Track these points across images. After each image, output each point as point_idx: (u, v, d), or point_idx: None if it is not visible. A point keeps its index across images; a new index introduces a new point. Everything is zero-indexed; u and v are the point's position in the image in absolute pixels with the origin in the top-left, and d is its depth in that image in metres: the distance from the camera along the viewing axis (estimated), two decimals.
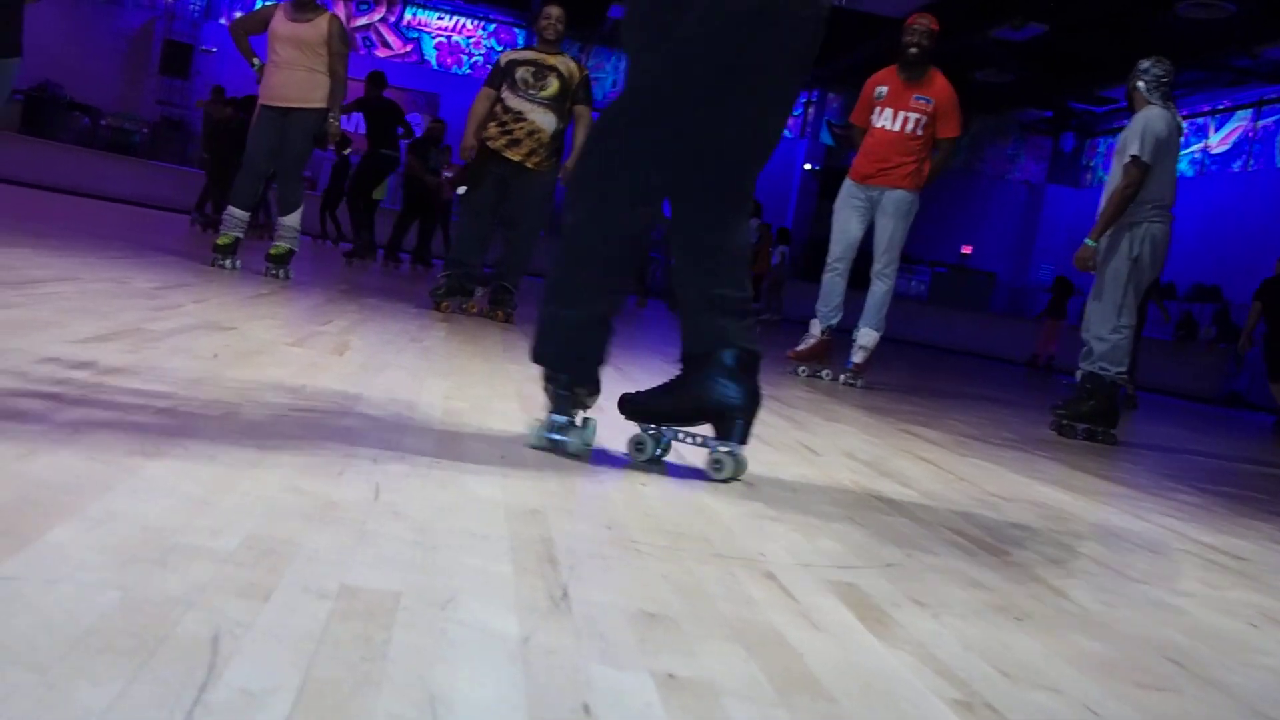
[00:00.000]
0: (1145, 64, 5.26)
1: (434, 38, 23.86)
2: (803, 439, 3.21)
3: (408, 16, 23.76)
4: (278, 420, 2.00)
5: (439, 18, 23.83)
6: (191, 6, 22.66)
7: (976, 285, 23.37)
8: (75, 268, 4.38)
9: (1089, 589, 1.86)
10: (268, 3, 6.43)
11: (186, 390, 2.12)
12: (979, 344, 18.80)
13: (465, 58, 24.01)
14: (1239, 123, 21.24)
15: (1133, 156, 5.02)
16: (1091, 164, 25.52)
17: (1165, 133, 5.08)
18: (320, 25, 6.09)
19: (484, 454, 2.05)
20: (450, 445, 2.08)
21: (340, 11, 22.78)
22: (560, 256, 2.26)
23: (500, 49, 23.91)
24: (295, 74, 6.05)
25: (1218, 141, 21.78)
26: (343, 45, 6.17)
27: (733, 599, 1.36)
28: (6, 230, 5.62)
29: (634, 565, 1.45)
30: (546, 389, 2.27)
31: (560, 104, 5.99)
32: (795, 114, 25.33)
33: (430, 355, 3.65)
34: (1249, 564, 2.44)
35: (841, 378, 6.01)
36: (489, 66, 21.87)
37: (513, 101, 5.91)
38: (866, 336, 6.05)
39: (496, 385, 3.16)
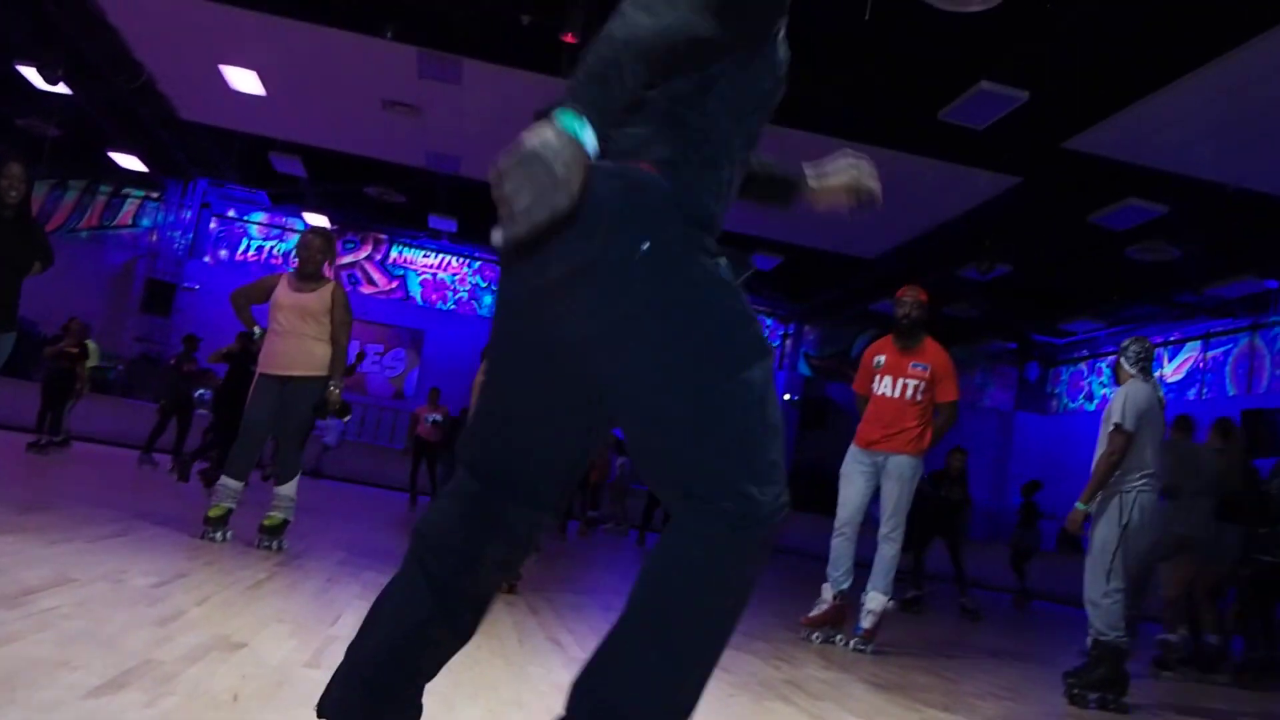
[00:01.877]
0: (1128, 342, 5.68)
1: (419, 275, 24.34)
2: None
3: (393, 254, 24.29)
4: None
5: (424, 255, 24.37)
6: (175, 246, 23.06)
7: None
8: (67, 561, 4.19)
9: None
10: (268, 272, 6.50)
11: None
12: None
13: (450, 294, 24.44)
14: (1190, 353, 21.93)
15: (1116, 425, 5.30)
16: (1056, 391, 26.11)
17: (1146, 404, 5.39)
18: (324, 295, 6.13)
19: None
20: None
21: None
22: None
23: (485, 285, 24.45)
24: (297, 342, 6.04)
25: (1172, 371, 22.36)
26: (346, 314, 6.20)
27: None
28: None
29: None
30: None
31: None
32: (775, 346, 25.82)
33: (453, 664, 3.46)
34: None
35: (852, 643, 5.86)
36: (473, 303, 22.22)
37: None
38: (875, 601, 5.96)
39: (525, 702, 2.97)
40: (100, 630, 3.00)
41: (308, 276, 6.17)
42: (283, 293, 6.12)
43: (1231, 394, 20.56)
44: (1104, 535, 5.23)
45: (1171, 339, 22.48)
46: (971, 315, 22.46)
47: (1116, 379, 5.58)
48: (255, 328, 6.30)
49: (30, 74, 15.22)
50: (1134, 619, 5.49)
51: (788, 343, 25.84)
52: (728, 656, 4.42)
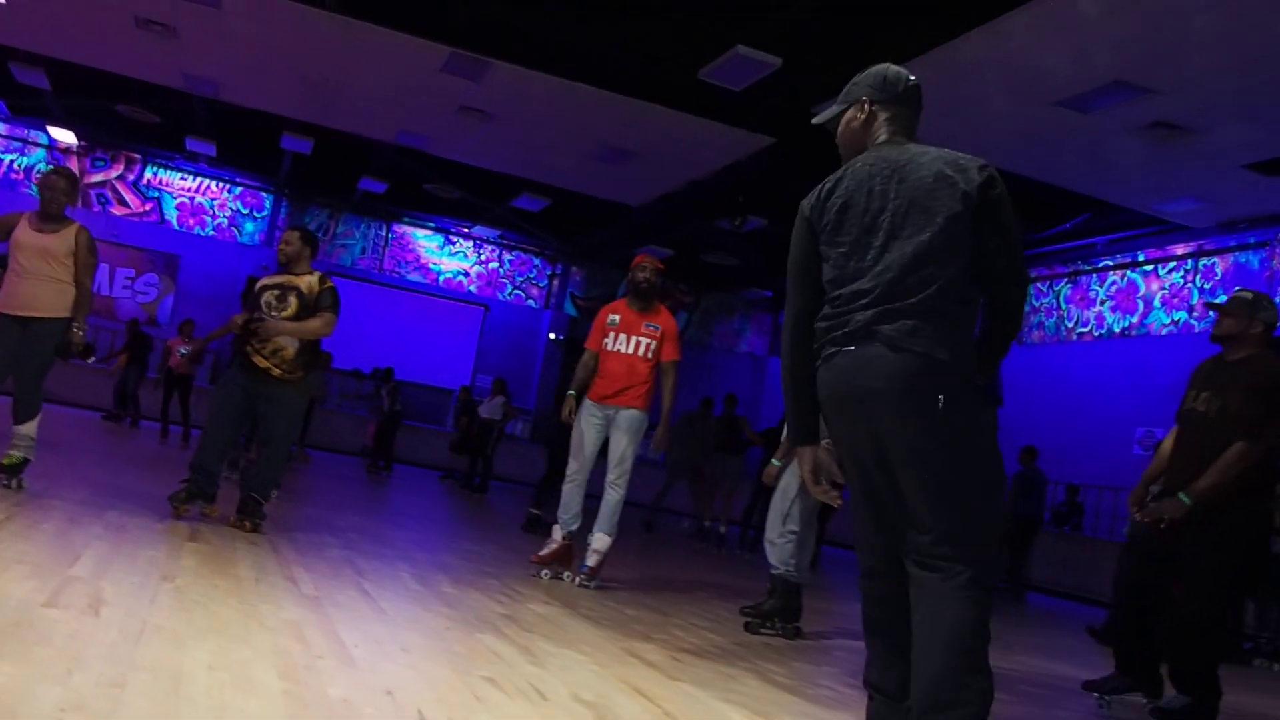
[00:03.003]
0: None
1: (175, 198, 23.45)
2: (533, 677, 3.53)
3: (148, 175, 23.29)
4: None
5: (181, 178, 23.48)
6: None
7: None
8: None
9: None
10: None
11: None
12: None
13: (209, 219, 23.68)
14: None
15: None
16: None
17: None
18: (68, 237, 6.13)
19: None
20: None
21: (74, 166, 22.19)
22: None
23: (246, 212, 23.79)
24: (39, 284, 6.04)
25: None
26: (90, 257, 6.22)
27: None
28: None
29: None
30: None
31: (300, 319, 6.27)
32: (540, 285, 26.26)
33: (186, 601, 3.76)
34: None
35: (577, 580, 6.41)
36: (233, 229, 21.74)
37: (261, 329, 6.16)
38: (600, 541, 6.51)
39: (258, 645, 3.32)
40: None
41: (50, 217, 6.15)
42: (24, 233, 6.08)
43: None
44: (786, 482, 5.96)
45: None
46: (729, 264, 23.53)
47: None
48: None
49: None
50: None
51: (554, 283, 26.33)
52: (455, 593, 4.88)
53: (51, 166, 6.32)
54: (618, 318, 6.67)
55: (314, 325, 6.29)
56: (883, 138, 3.17)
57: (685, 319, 27.31)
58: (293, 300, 6.27)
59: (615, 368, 6.56)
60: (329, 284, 6.47)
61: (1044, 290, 20.70)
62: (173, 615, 3.51)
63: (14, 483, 5.95)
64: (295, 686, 2.89)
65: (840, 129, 3.28)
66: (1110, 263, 19.33)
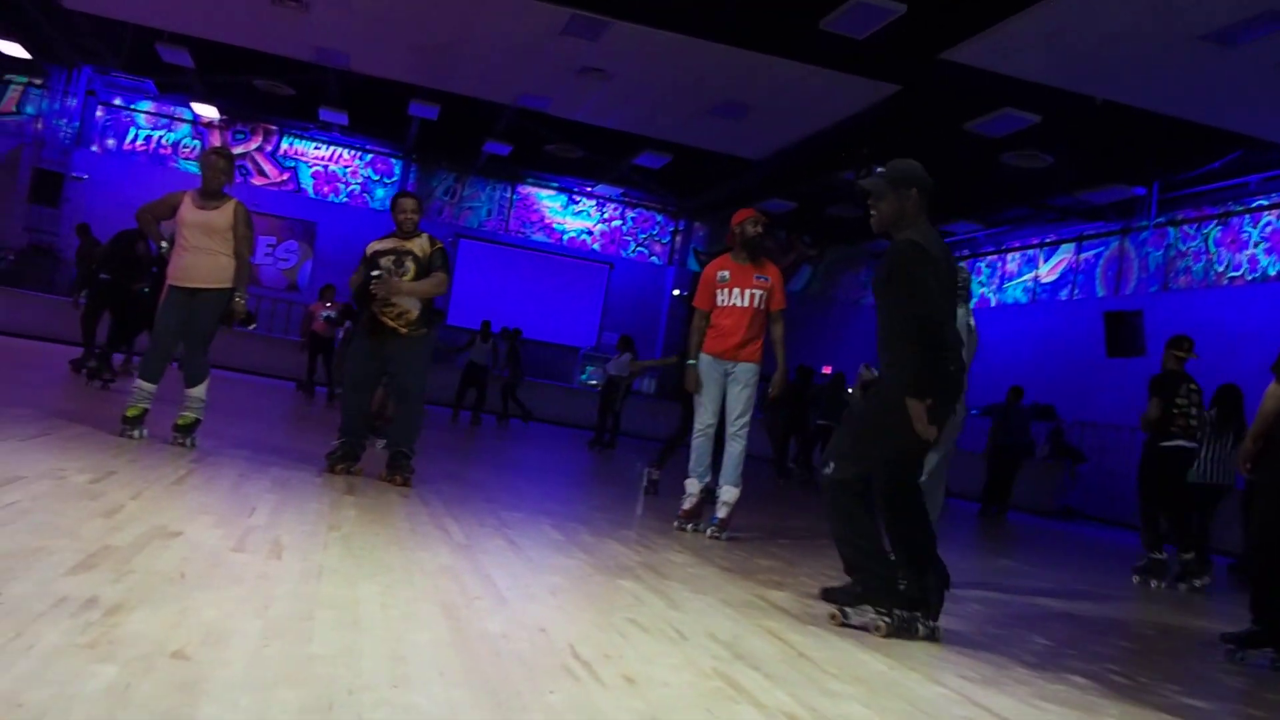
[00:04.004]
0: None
1: (310, 167, 24.35)
2: (673, 619, 3.80)
3: (284, 146, 24.23)
4: (272, 670, 2.49)
5: (316, 147, 24.36)
6: (62, 135, 22.69)
7: (842, 406, 24.58)
8: (10, 460, 4.74)
9: None
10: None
11: (201, 640, 2.59)
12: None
13: (342, 186, 24.53)
14: (1064, 255, 23.05)
15: None
16: None
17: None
18: (226, 211, 6.57)
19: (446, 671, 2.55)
20: (401, 669, 2.58)
21: (216, 140, 23.18)
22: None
23: (377, 178, 24.52)
24: (203, 257, 6.50)
25: (1047, 271, 23.55)
26: (247, 229, 6.66)
27: None
28: None
29: None
30: None
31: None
32: (663, 242, 26.47)
33: (353, 548, 4.12)
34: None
35: (709, 532, 6.65)
36: (365, 195, 22.37)
37: (379, 289, 6.49)
38: (728, 493, 6.70)
39: (419, 586, 3.65)
40: (59, 522, 3.59)
41: (211, 194, 6.60)
42: (187, 210, 6.55)
43: (1100, 295, 21.69)
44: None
45: (1047, 240, 23.59)
46: (853, 216, 23.35)
47: None
48: (163, 242, 6.73)
49: None
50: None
51: (677, 239, 26.52)
52: (595, 543, 5.16)
53: (212, 147, 6.80)
54: (727, 273, 6.78)
55: (430, 285, 6.64)
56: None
57: (809, 273, 27.23)
58: (410, 265, 6.60)
59: (731, 322, 6.70)
60: (439, 245, 6.83)
61: (1191, 233, 19.88)
62: (343, 560, 3.87)
63: (188, 441, 6.45)
64: (457, 622, 3.21)
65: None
66: (1264, 202, 18.38)
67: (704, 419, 6.78)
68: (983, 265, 25.69)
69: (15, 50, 20.36)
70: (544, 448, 14.78)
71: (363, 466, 6.74)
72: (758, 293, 6.71)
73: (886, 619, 4.13)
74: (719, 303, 6.76)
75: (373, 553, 4.11)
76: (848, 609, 4.23)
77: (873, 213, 4.31)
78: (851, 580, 4.31)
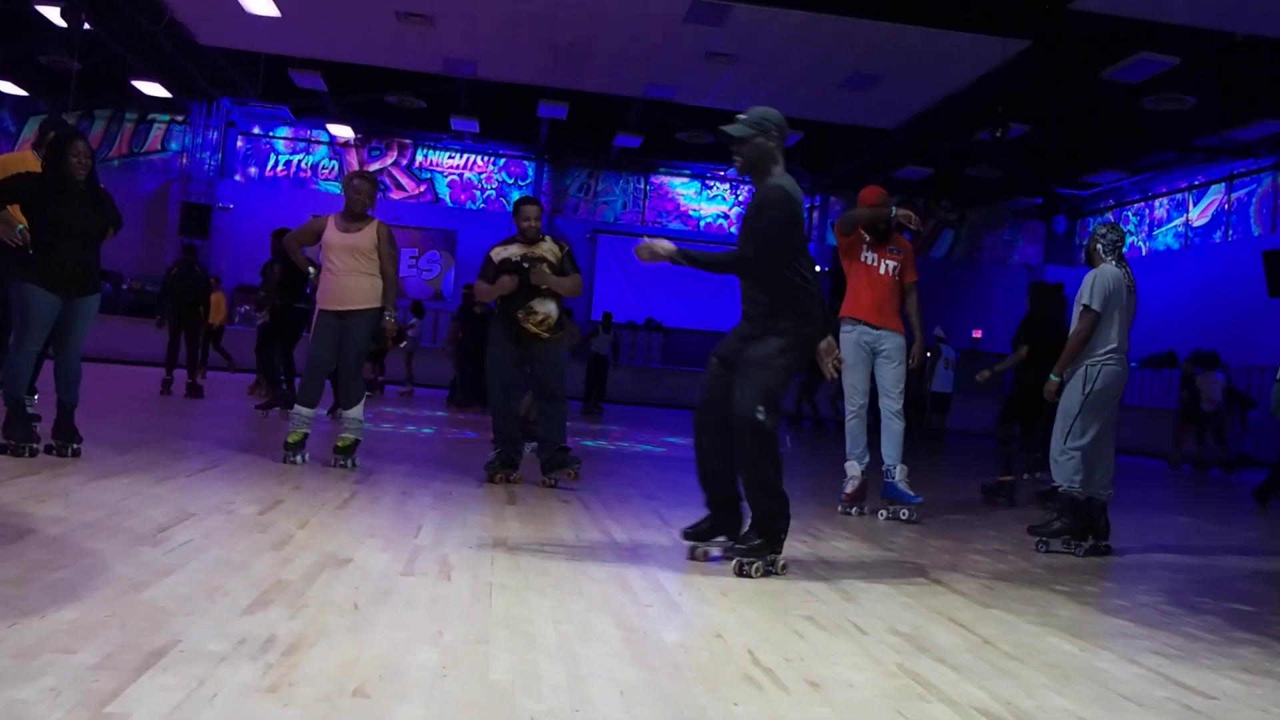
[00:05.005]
0: (1102, 228, 6.04)
1: (446, 176, 24.78)
2: (849, 613, 3.66)
3: (419, 158, 24.73)
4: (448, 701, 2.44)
5: (450, 157, 24.78)
6: (206, 167, 23.59)
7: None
8: (181, 497, 4.86)
9: None
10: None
11: (380, 675, 2.56)
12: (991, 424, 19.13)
13: (478, 193, 24.92)
14: (1214, 196, 22.04)
15: (1084, 305, 5.74)
16: (1084, 243, 26.21)
17: (1114, 286, 5.80)
18: (370, 232, 6.64)
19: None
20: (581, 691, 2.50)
21: (352, 158, 23.78)
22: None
23: (511, 181, 24.81)
24: (350, 279, 6.59)
25: (1198, 214, 22.52)
26: (391, 248, 6.72)
27: None
28: (94, 438, 6.09)
29: None
30: None
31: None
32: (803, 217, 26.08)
33: (519, 561, 4.08)
34: (1218, 704, 2.93)
35: (903, 514, 6.49)
36: (501, 200, 22.64)
37: (537, 276, 6.48)
38: (904, 472, 6.53)
39: (590, 596, 3.58)
40: (232, 557, 3.63)
41: (354, 216, 6.68)
42: (332, 234, 6.64)
43: (1256, 234, 20.70)
44: (1068, 401, 5.80)
45: (1195, 183, 22.58)
46: (993, 175, 22.67)
47: (1089, 261, 5.99)
48: (310, 268, 6.85)
49: (50, 13, 15.70)
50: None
51: (813, 215, 26.12)
52: None
53: (354, 170, 6.93)
54: (869, 238, 6.67)
55: (572, 283, 6.67)
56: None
57: (951, 237, 26.53)
58: (545, 269, 6.58)
59: (876, 290, 6.57)
60: (567, 248, 6.86)
61: None
62: (511, 574, 3.82)
63: (349, 462, 6.55)
64: (632, 633, 3.12)
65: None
66: None
67: (856, 399, 6.62)
68: (1129, 213, 24.67)
69: (157, 90, 21.25)
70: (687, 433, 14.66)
71: (521, 474, 6.75)
72: (891, 264, 6.62)
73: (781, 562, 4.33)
74: (862, 257, 6.63)
75: (540, 564, 4.06)
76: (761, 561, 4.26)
77: (737, 158, 4.46)
78: (757, 530, 4.30)
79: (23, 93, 22.53)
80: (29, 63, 20.12)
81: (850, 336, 6.58)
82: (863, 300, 6.60)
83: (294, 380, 11.05)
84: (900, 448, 6.56)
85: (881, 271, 6.58)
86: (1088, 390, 5.71)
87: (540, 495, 6.19)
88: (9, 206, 5.76)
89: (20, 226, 5.74)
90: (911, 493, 6.52)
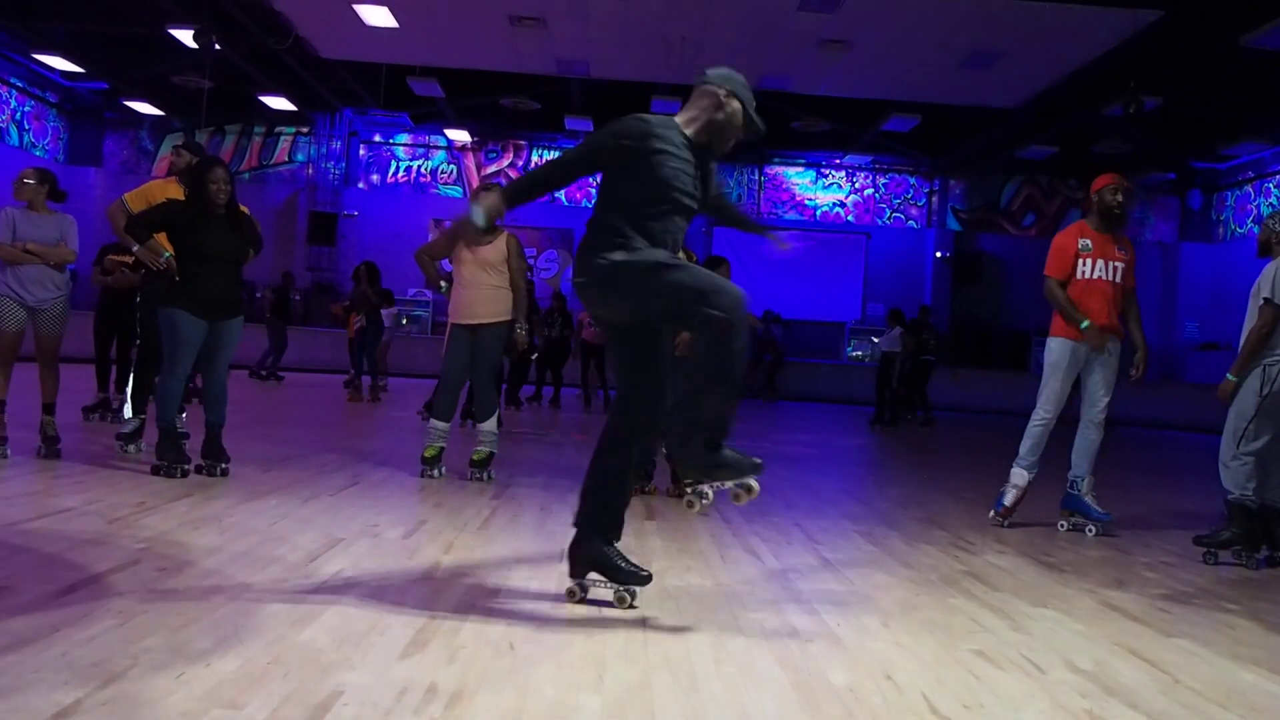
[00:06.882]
0: (1276, 217, 5.53)
1: None
2: (1022, 645, 3.47)
3: (534, 159, 24.88)
4: None
5: None
6: (331, 176, 24.12)
7: (1125, 354, 23.05)
8: (326, 520, 4.89)
9: None
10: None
11: None
12: (1134, 411, 18.39)
13: (593, 190, 24.91)
14: None
15: (1265, 299, 5.31)
16: (1222, 218, 25.07)
17: None
18: (499, 245, 6.63)
19: None
20: None
21: (470, 162, 24.06)
22: None
23: None
24: (481, 292, 6.59)
25: None
26: (521, 260, 6.70)
27: None
28: (238, 452, 6.21)
29: None
30: None
31: None
32: (919, 205, 25.53)
33: (668, 588, 3.99)
34: None
35: (1090, 530, 6.19)
36: None
37: None
38: (1090, 484, 6.25)
39: (742, 625, 3.47)
40: (384, 592, 3.61)
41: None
42: (462, 247, 6.64)
43: None
44: (1242, 403, 5.43)
45: None
46: (1122, 151, 21.85)
47: (1269, 252, 5.57)
48: (442, 282, 6.87)
49: (183, 36, 16.28)
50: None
51: (934, 199, 25.55)
52: (909, 550, 4.85)
53: (483, 183, 6.96)
54: (1089, 243, 6.20)
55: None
56: None
57: (1079, 217, 25.65)
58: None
59: (1102, 295, 6.14)
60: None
61: None
62: (663, 605, 3.73)
63: (485, 475, 6.56)
64: (799, 675, 3.00)
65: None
66: None
67: (1051, 407, 6.24)
68: (1271, 186, 23.47)
69: (283, 104, 21.94)
70: (823, 429, 14.43)
71: (656, 484, 6.67)
72: (1119, 265, 6.16)
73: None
74: (1078, 274, 6.18)
75: (691, 593, 3.96)
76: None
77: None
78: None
79: (159, 112, 23.44)
80: (163, 83, 20.90)
81: (1067, 351, 6.20)
82: (1086, 312, 6.15)
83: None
84: (1093, 460, 6.21)
85: (1107, 277, 6.15)
86: (1265, 391, 5.36)
87: (678, 508, 6.08)
88: (155, 234, 5.90)
89: (166, 254, 5.88)
90: (1099, 508, 6.19)
